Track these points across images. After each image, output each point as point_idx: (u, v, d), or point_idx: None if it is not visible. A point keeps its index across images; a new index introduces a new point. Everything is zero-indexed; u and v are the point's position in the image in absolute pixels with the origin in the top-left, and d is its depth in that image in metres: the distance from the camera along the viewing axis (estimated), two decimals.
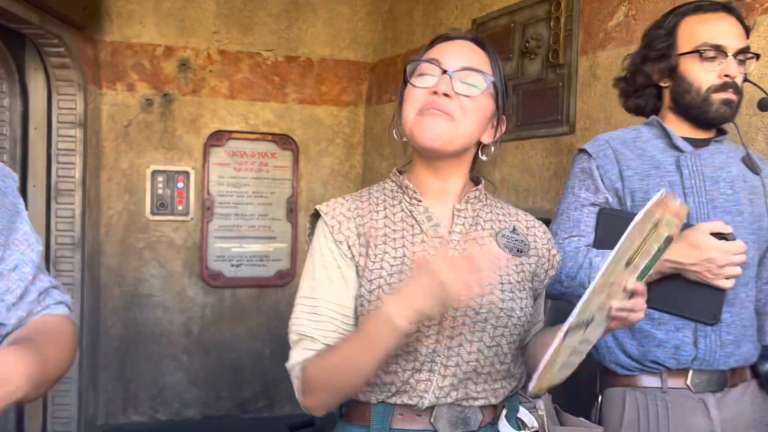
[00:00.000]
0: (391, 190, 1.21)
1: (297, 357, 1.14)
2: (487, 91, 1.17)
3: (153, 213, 3.93)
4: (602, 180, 1.56)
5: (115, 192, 3.86)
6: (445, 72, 1.14)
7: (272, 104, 4.13)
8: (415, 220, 1.17)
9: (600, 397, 1.57)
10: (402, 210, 1.18)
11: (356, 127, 4.29)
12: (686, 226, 1.42)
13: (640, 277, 1.08)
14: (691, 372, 1.49)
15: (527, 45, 2.83)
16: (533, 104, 2.83)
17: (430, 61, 1.16)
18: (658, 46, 1.56)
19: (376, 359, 1.05)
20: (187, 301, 3.99)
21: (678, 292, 1.43)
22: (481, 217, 1.20)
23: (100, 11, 3.68)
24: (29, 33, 3.25)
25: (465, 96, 1.14)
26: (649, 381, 1.51)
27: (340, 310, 1.13)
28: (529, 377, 1.27)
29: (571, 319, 0.97)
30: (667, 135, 1.57)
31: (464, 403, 1.13)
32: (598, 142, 1.60)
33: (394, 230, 1.16)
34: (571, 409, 1.30)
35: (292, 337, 1.15)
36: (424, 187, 1.19)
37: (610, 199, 1.56)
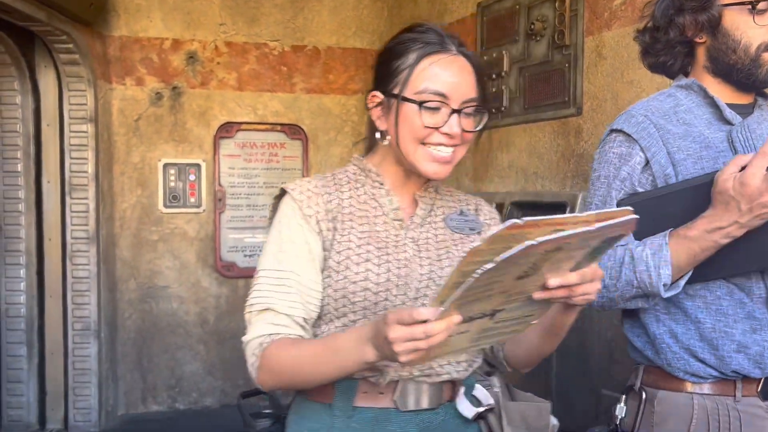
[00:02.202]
0: (354, 173, 1.24)
1: (257, 330, 1.12)
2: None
3: (166, 206, 3.97)
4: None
5: (127, 186, 3.91)
6: (454, 112, 1.13)
7: (280, 94, 4.15)
8: (378, 203, 1.21)
9: (643, 397, 1.34)
10: (365, 193, 1.22)
11: (365, 115, 4.28)
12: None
13: (589, 261, 0.94)
14: (764, 378, 1.29)
15: (532, 27, 2.82)
16: (540, 86, 2.83)
17: (438, 94, 1.13)
18: None
19: (337, 372, 1.06)
20: (201, 291, 4.04)
21: (734, 252, 1.22)
22: (435, 204, 1.26)
23: (107, 7, 3.71)
24: (38, 30, 3.28)
25: (466, 132, 1.16)
26: (723, 389, 1.29)
27: (307, 284, 1.13)
28: (487, 359, 1.27)
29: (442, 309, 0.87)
30: (710, 102, 1.34)
31: (427, 379, 1.15)
32: (636, 118, 1.33)
33: (359, 209, 1.19)
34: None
35: (253, 310, 1.14)
36: (389, 175, 1.23)
37: None
